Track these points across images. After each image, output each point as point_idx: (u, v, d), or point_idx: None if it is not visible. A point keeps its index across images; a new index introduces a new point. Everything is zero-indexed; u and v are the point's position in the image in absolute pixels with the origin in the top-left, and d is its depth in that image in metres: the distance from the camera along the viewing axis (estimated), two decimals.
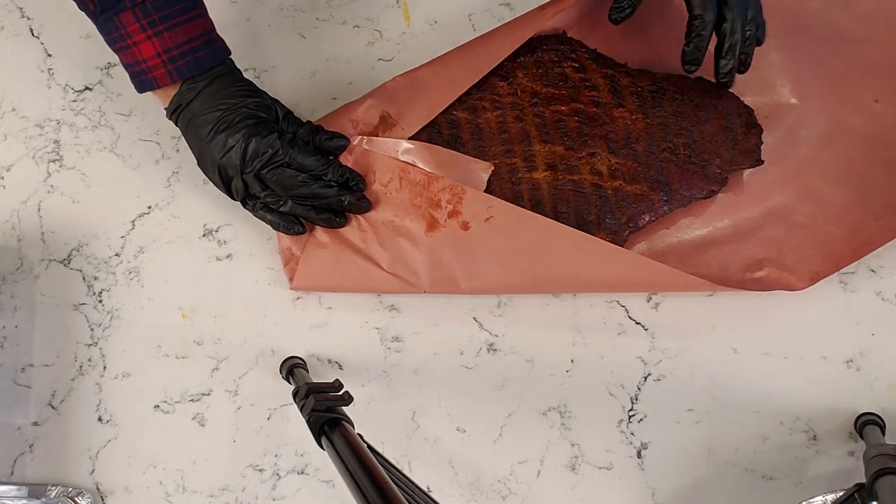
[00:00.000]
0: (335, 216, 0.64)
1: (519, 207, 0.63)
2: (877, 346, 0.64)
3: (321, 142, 0.64)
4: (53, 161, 0.71)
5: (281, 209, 0.64)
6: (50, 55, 0.74)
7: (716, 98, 0.67)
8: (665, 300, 0.66)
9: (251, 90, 0.64)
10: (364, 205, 0.64)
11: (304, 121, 0.65)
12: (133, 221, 0.70)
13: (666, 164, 0.65)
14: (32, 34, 0.75)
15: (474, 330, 0.66)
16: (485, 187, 0.65)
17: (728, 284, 0.63)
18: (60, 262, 0.69)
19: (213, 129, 0.61)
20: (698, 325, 0.65)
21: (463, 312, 0.67)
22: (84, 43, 0.75)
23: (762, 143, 0.66)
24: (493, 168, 0.65)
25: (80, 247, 0.69)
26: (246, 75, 0.65)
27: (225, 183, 0.63)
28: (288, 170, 0.62)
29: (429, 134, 0.66)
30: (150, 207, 0.70)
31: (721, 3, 0.61)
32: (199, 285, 0.68)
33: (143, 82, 0.62)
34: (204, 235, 0.69)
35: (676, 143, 0.65)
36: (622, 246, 0.63)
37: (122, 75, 0.73)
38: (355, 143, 0.66)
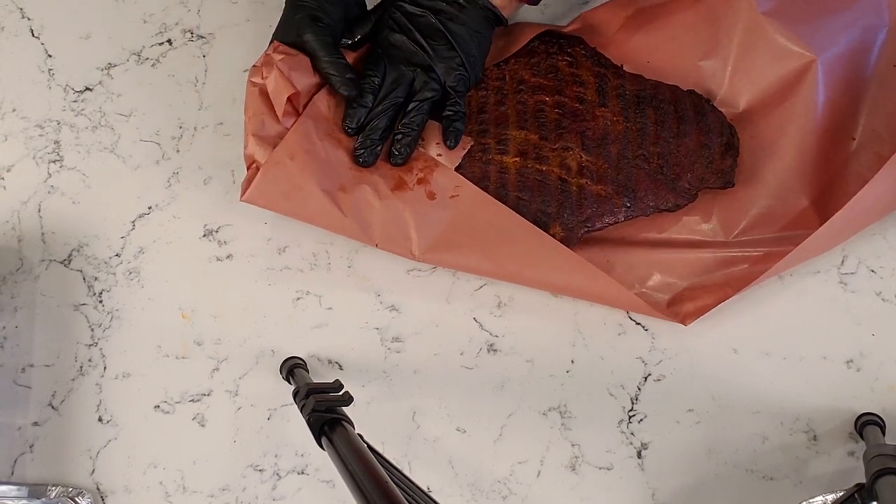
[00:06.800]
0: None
1: (484, 192, 0.64)
2: (877, 346, 0.64)
3: (349, 90, 0.65)
4: (54, 161, 0.71)
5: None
6: (50, 55, 0.74)
7: (701, 114, 0.66)
8: None
9: None
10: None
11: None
12: (133, 222, 0.70)
13: (636, 170, 0.65)
14: (32, 34, 0.75)
15: (474, 330, 0.66)
16: (458, 161, 0.66)
17: (667, 311, 0.64)
18: (60, 263, 0.69)
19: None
20: (698, 326, 0.65)
21: (463, 312, 0.67)
22: (84, 43, 0.75)
23: (737, 165, 0.66)
24: (472, 143, 0.66)
25: (80, 247, 0.69)
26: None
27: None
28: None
29: None
30: (150, 208, 0.70)
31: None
32: (199, 285, 0.68)
33: None
34: (204, 235, 0.69)
35: (651, 152, 0.65)
36: (575, 243, 0.64)
37: (122, 75, 0.74)
38: None
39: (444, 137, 0.66)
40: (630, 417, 0.64)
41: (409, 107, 0.65)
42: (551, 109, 0.66)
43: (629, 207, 0.64)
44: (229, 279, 0.68)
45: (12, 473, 0.65)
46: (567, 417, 0.64)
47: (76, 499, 0.63)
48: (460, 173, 0.65)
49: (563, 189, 0.64)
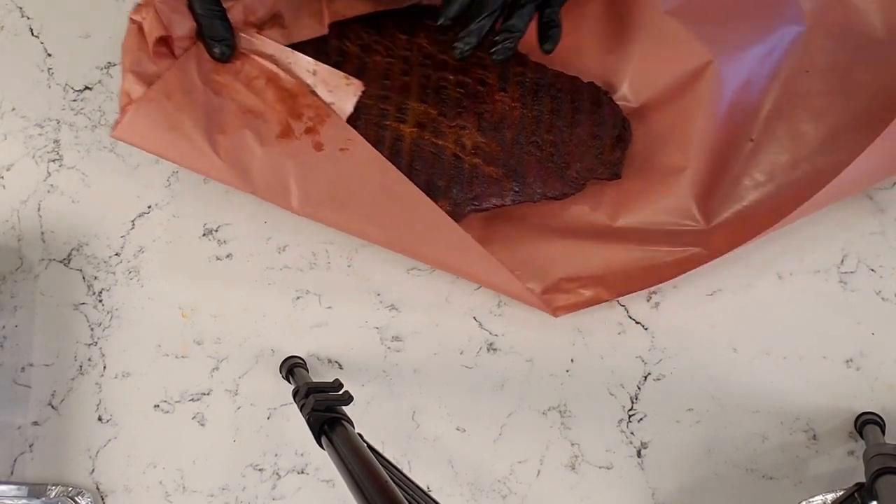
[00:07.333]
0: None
1: (377, 151, 0.63)
2: (877, 345, 0.64)
3: (215, 24, 0.63)
4: (53, 161, 0.71)
5: None
6: (50, 55, 0.74)
7: (597, 105, 0.67)
8: (665, 300, 0.66)
9: None
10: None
11: None
12: (133, 221, 0.70)
13: (528, 156, 0.65)
14: (32, 34, 0.75)
15: (474, 330, 0.66)
16: (351, 110, 0.64)
17: (540, 299, 0.64)
18: (60, 262, 0.69)
19: None
20: (698, 325, 0.65)
21: (463, 312, 0.67)
22: (84, 43, 0.75)
23: (625, 158, 0.67)
24: (363, 89, 0.65)
25: (80, 246, 0.69)
26: None
27: None
28: None
29: (315, 55, 0.66)
30: (150, 207, 0.70)
31: None
32: (199, 285, 0.68)
33: None
34: (204, 235, 0.69)
35: (544, 140, 0.66)
36: (460, 220, 0.63)
37: (121, 74, 0.73)
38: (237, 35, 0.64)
39: (542, 41, 0.64)
40: (630, 417, 0.64)
41: (522, 2, 0.62)
42: (453, 88, 0.66)
43: (517, 192, 0.65)
44: (229, 279, 0.68)
45: (12, 473, 0.65)
46: (567, 417, 0.64)
47: (76, 498, 0.63)
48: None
49: (456, 165, 0.64)
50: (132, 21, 0.63)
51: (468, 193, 0.64)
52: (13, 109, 0.73)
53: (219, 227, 0.69)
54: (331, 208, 0.62)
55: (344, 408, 0.53)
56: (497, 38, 0.63)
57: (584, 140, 0.66)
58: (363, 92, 0.66)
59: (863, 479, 0.55)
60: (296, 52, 0.65)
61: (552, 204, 0.67)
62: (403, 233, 0.63)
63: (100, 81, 0.73)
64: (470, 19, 0.62)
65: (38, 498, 0.63)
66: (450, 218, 0.62)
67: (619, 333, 0.66)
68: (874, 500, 0.54)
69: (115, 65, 0.74)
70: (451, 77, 0.67)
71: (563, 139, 0.66)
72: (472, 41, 0.62)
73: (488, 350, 0.66)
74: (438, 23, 0.63)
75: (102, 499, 0.64)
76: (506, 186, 0.65)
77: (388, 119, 0.65)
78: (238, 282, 0.68)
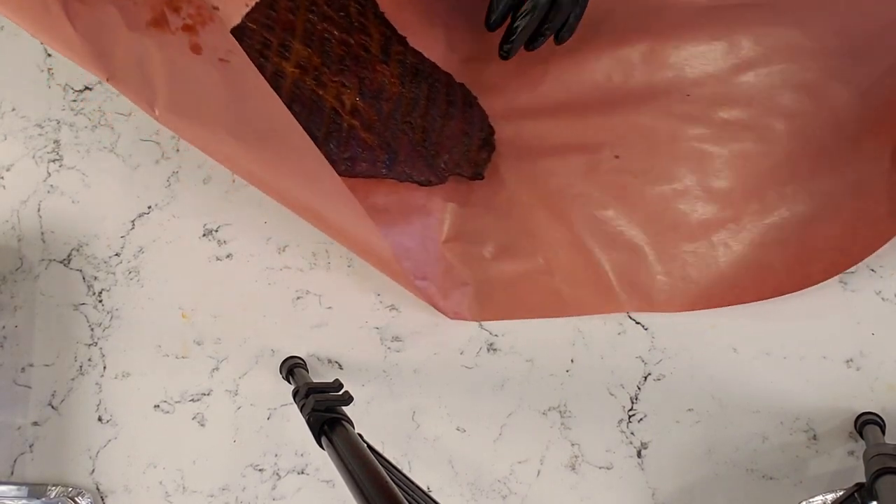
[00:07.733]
0: None
1: (261, 74, 0.58)
2: (877, 345, 0.64)
3: None
4: (53, 161, 0.71)
5: None
6: (50, 55, 0.74)
7: (468, 105, 0.68)
8: None
9: None
10: None
11: None
12: (133, 221, 0.70)
13: (402, 134, 0.66)
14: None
15: (474, 330, 0.66)
16: (238, 21, 0.61)
17: (400, 273, 0.62)
18: (60, 262, 0.69)
19: None
20: (698, 325, 0.65)
21: None
22: None
23: (490, 161, 0.67)
24: (252, 6, 0.62)
25: (80, 247, 0.69)
26: None
27: None
28: None
29: None
30: (150, 207, 0.70)
31: None
32: (199, 285, 0.68)
33: None
34: (204, 235, 0.69)
35: (417, 123, 0.66)
36: None
37: None
38: None
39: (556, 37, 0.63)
40: (630, 417, 0.64)
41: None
42: (337, 44, 0.66)
43: (388, 166, 0.65)
44: (229, 279, 0.68)
45: (12, 473, 0.65)
46: (567, 417, 0.64)
47: (76, 499, 0.63)
48: None
49: (334, 120, 0.64)
50: None
51: (343, 153, 0.64)
52: (13, 109, 0.73)
53: (219, 227, 0.69)
54: (199, 122, 0.56)
55: (344, 408, 0.53)
56: (570, 19, 0.62)
57: (454, 134, 0.67)
58: (247, 14, 0.63)
59: (863, 479, 0.55)
60: None
61: (414, 193, 0.67)
62: (279, 174, 0.57)
63: (100, 82, 0.73)
64: (519, 33, 0.63)
65: (38, 498, 0.63)
66: (333, 168, 0.58)
67: (619, 333, 0.66)
68: (874, 500, 0.54)
69: None
70: (336, 33, 0.66)
71: (434, 128, 0.67)
72: (514, 53, 0.64)
73: (488, 350, 0.66)
74: (487, 24, 0.63)
75: (102, 499, 0.64)
76: (379, 157, 0.65)
77: (271, 51, 0.63)
78: (238, 282, 0.68)
